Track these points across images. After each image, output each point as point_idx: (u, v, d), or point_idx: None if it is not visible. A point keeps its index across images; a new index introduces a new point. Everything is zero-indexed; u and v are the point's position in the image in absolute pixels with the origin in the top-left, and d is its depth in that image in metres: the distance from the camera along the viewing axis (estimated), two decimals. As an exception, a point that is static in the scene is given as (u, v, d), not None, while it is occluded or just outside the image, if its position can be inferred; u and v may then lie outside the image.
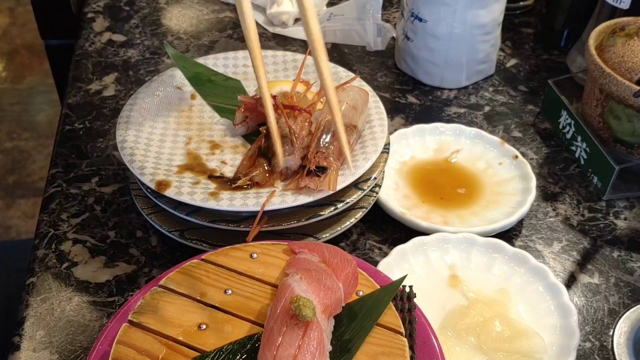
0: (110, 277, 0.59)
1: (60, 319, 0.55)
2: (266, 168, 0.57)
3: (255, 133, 0.63)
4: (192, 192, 0.54)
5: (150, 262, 0.60)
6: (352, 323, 0.43)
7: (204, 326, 0.43)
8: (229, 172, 0.59)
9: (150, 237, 0.62)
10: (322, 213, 0.56)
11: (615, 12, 0.75)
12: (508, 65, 0.88)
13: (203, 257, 0.48)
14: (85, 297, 0.57)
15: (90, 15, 0.94)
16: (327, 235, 0.58)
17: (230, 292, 0.45)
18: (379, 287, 0.46)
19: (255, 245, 0.48)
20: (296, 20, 0.93)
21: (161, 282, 0.45)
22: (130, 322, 0.43)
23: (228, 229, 0.55)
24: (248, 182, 0.56)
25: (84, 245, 0.61)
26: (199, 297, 0.44)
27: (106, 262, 0.60)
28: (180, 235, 0.57)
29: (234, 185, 0.56)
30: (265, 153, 0.58)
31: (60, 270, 0.59)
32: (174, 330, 0.42)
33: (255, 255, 0.48)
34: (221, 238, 0.56)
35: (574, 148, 0.73)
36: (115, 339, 0.42)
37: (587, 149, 0.70)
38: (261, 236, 0.54)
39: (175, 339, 0.42)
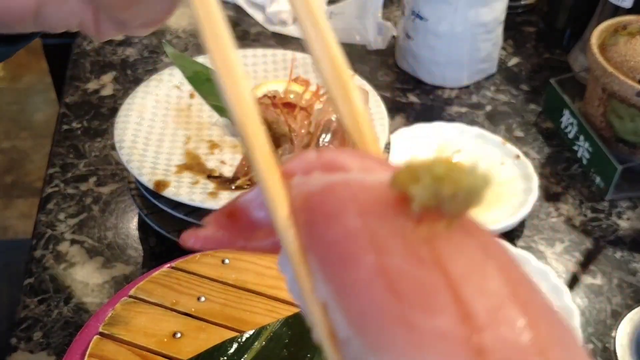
0: (108, 277, 0.58)
1: (57, 320, 0.54)
2: (266, 168, 0.57)
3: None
4: (190, 192, 0.53)
5: (148, 262, 0.59)
6: None
7: (179, 334, 0.42)
8: (228, 171, 0.58)
9: (149, 238, 0.62)
10: (323, 213, 0.55)
11: (617, 11, 0.75)
12: (510, 64, 0.88)
13: (173, 264, 0.47)
14: (83, 299, 0.56)
15: (88, 13, 0.94)
16: (328, 235, 0.58)
17: (203, 299, 0.44)
18: None
19: (227, 251, 0.48)
20: (296, 19, 0.93)
21: (131, 292, 0.45)
22: (102, 334, 0.42)
23: (227, 230, 0.54)
24: (247, 182, 0.55)
25: (82, 246, 0.61)
26: (171, 306, 0.44)
27: (104, 263, 0.59)
28: (179, 235, 0.57)
29: (233, 186, 0.55)
30: (265, 153, 0.58)
31: (58, 271, 0.58)
32: (148, 340, 0.41)
33: (227, 261, 0.47)
34: (220, 239, 0.56)
35: (576, 148, 0.72)
36: (87, 352, 0.41)
37: (590, 148, 0.70)
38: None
39: (150, 349, 0.41)
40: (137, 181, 0.57)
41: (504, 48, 0.89)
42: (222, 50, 0.23)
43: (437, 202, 0.17)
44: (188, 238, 0.26)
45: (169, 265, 0.47)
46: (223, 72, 0.22)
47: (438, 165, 0.17)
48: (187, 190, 0.54)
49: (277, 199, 0.21)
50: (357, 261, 0.17)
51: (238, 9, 0.95)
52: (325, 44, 0.25)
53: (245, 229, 0.24)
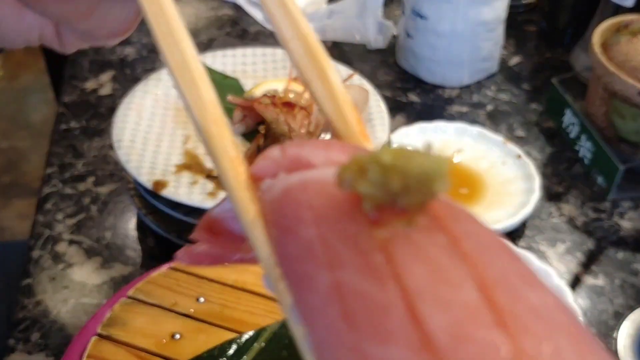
0: (106, 278, 0.57)
1: (56, 321, 0.54)
2: (266, 168, 0.56)
3: (254, 132, 0.62)
4: (189, 192, 0.53)
5: (147, 263, 0.59)
6: None
7: (178, 336, 0.42)
8: (227, 171, 0.58)
9: (148, 238, 0.61)
10: (323, 213, 0.55)
11: (618, 10, 0.75)
12: (511, 63, 0.87)
13: (172, 265, 0.47)
14: (82, 299, 0.56)
15: (86, 12, 0.93)
16: (328, 236, 0.57)
17: (202, 300, 0.44)
18: None
19: None
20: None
21: (129, 293, 0.44)
22: (100, 335, 0.42)
23: (227, 230, 0.54)
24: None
25: (80, 247, 0.60)
26: (170, 307, 0.43)
27: (102, 264, 0.59)
28: (177, 236, 0.56)
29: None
30: (265, 152, 0.57)
31: (56, 272, 0.58)
32: (147, 341, 0.41)
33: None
34: (220, 239, 0.55)
35: (578, 148, 0.72)
36: (86, 353, 0.41)
37: (592, 148, 0.69)
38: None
39: (148, 350, 0.41)
40: (136, 181, 0.57)
41: (505, 47, 0.89)
42: (176, 48, 0.20)
43: (389, 198, 0.14)
44: (182, 256, 0.23)
45: (167, 265, 0.46)
46: (178, 72, 0.20)
47: (384, 153, 0.14)
48: (186, 190, 0.53)
49: (247, 209, 0.18)
50: (312, 281, 0.15)
51: (237, 7, 0.95)
52: (294, 20, 0.22)
53: (233, 240, 0.21)
